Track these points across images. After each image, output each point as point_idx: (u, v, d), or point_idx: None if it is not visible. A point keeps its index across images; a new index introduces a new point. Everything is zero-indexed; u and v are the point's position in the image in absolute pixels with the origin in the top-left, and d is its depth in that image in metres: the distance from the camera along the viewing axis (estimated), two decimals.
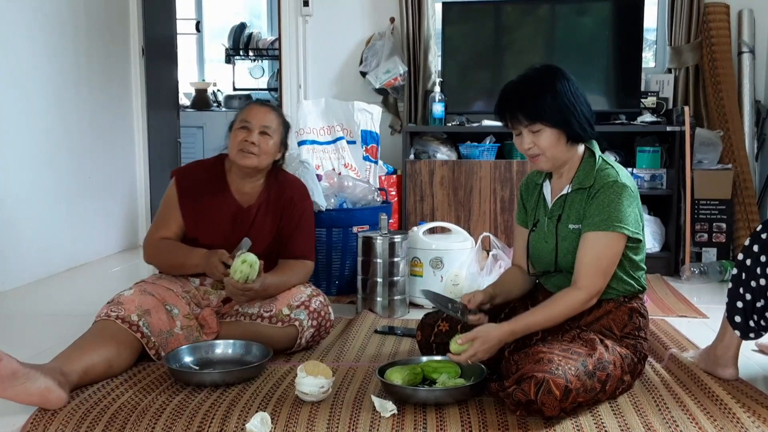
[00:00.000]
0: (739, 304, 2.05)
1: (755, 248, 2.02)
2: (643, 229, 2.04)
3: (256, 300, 2.38)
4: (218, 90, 6.81)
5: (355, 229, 3.31)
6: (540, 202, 2.17)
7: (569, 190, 2.07)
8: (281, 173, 2.60)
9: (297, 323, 2.36)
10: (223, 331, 2.34)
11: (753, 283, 2.01)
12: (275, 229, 2.51)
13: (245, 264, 2.23)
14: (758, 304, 2.01)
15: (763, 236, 2.01)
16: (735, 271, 2.07)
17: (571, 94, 1.98)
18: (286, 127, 2.56)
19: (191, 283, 2.45)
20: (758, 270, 1.99)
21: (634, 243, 2.02)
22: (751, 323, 2.04)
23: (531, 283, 2.23)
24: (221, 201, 2.48)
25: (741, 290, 2.04)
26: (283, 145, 2.54)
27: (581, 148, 2.08)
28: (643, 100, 4.08)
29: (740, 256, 2.07)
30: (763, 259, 1.99)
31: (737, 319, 2.06)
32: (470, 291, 2.99)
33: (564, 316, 1.99)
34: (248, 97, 6.59)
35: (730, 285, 2.09)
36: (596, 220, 1.98)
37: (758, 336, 2.08)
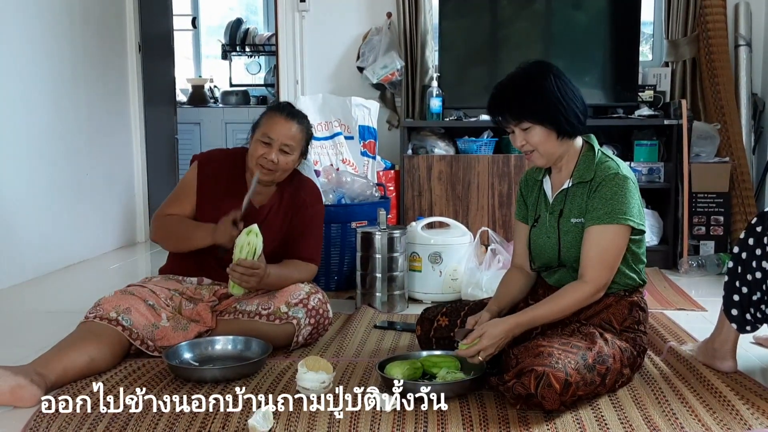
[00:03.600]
0: (736, 297, 2.05)
1: (750, 241, 2.02)
2: (644, 221, 2.05)
3: (258, 291, 2.37)
4: (215, 86, 6.81)
5: (353, 225, 3.31)
6: (541, 197, 2.17)
7: (570, 185, 2.08)
8: (297, 176, 2.57)
9: (294, 321, 2.34)
10: (220, 328, 2.34)
11: (749, 276, 2.01)
12: (284, 229, 2.49)
13: (251, 234, 2.20)
14: (754, 297, 2.01)
15: (758, 229, 2.01)
16: (731, 264, 2.07)
17: (558, 90, 1.98)
18: (308, 137, 2.49)
19: (186, 284, 2.44)
20: (754, 263, 2.00)
21: (637, 235, 2.04)
22: (748, 316, 2.04)
23: (533, 280, 2.23)
24: (236, 199, 2.42)
25: (737, 283, 2.05)
26: (303, 155, 2.49)
27: (578, 141, 2.09)
28: (640, 94, 4.08)
29: (736, 249, 2.07)
30: (758, 251, 1.99)
31: (734, 312, 2.06)
32: (468, 286, 3.06)
33: (570, 309, 1.99)
34: (245, 93, 6.57)
35: (726, 278, 2.09)
36: (600, 213, 1.98)
37: (755, 329, 2.08)
